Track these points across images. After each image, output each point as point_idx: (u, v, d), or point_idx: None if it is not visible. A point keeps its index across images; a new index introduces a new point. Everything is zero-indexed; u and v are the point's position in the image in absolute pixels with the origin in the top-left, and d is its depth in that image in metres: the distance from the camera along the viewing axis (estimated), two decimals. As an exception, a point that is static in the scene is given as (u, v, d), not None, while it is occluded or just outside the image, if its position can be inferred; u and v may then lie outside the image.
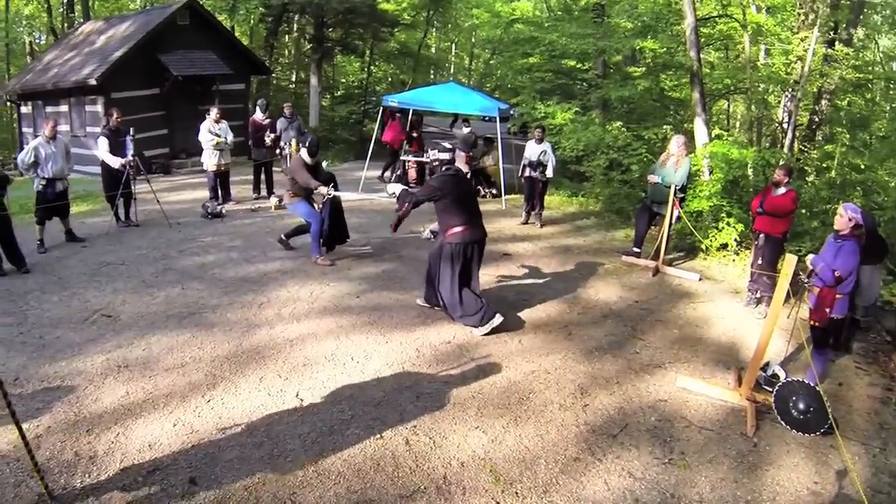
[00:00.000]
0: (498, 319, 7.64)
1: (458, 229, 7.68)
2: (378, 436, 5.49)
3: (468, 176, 8.26)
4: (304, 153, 9.85)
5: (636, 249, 11.24)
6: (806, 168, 17.25)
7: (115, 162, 11.33)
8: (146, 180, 12.53)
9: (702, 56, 15.36)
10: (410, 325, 7.89)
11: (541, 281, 9.97)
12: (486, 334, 7.61)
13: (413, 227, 11.97)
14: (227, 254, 10.37)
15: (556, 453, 5.45)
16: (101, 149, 11.42)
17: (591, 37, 17.95)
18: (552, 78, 21.99)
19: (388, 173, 18.06)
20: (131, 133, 11.73)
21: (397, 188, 8.52)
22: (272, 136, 14.32)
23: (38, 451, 4.91)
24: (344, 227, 10.43)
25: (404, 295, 8.88)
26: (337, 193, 10.01)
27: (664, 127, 18.23)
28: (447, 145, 8.53)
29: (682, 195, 10.78)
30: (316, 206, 10.07)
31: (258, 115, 14.52)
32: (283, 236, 10.68)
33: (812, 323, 6.65)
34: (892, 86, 20.34)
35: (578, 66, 21.30)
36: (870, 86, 19.51)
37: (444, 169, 8.09)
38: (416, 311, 8.34)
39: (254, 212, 13.50)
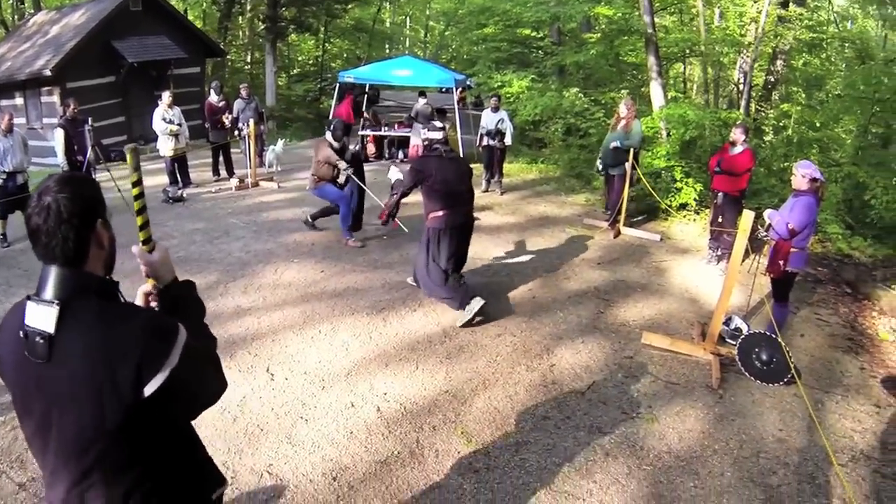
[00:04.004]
0: (477, 303, 7.09)
1: (438, 214, 7.25)
2: (349, 405, 5.53)
3: (458, 156, 7.77)
4: (328, 136, 9.61)
5: (608, 215, 11.30)
6: (763, 127, 17.47)
7: (62, 161, 11.22)
8: (106, 169, 12.37)
9: (656, 21, 15.44)
10: (377, 298, 7.90)
11: (503, 247, 10.06)
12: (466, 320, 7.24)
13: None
14: (190, 237, 10.29)
15: (525, 413, 5.54)
16: (57, 141, 11.26)
17: (545, 5, 17.96)
18: (507, 47, 21.97)
19: None
20: (90, 123, 11.55)
21: (398, 174, 8.07)
22: (230, 117, 14.22)
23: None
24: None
25: (369, 270, 8.87)
26: (349, 174, 9.60)
27: (622, 91, 18.34)
28: (438, 123, 8.10)
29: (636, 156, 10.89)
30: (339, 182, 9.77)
31: (213, 98, 14.35)
32: (309, 218, 10.49)
33: (769, 276, 6.78)
34: (845, 45, 20.61)
35: (533, 34, 21.29)
36: (824, 46, 19.74)
37: (431, 149, 7.59)
38: (381, 283, 8.36)
39: (215, 193, 13.40)
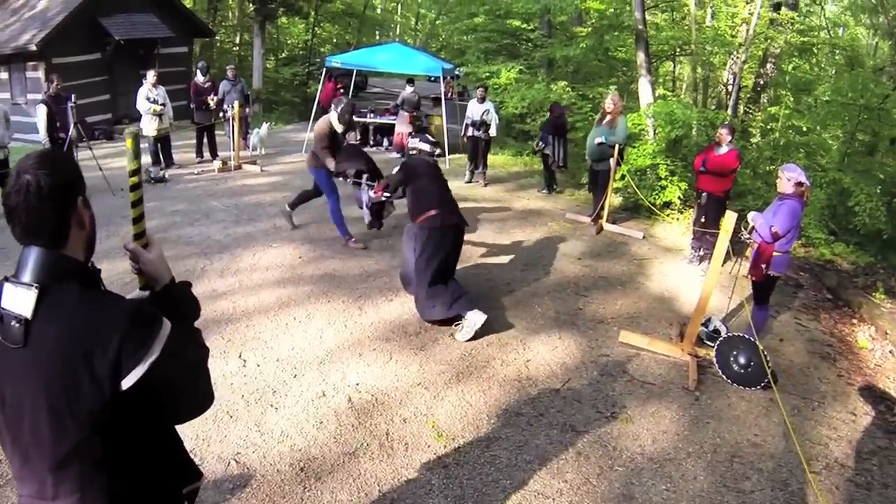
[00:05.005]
0: (481, 318, 6.62)
1: (432, 213, 6.74)
2: (321, 394, 5.47)
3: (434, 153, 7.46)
4: (333, 118, 8.79)
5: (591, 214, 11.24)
6: (750, 129, 17.48)
7: (44, 138, 11.08)
8: (88, 147, 12.22)
9: (647, 17, 15.41)
10: (352, 286, 7.84)
11: (483, 238, 10.00)
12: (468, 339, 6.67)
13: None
14: (171, 218, 10.18)
15: (498, 408, 5.48)
16: (39, 118, 11.12)
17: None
18: (497, 38, 22.00)
19: None
20: (73, 100, 11.40)
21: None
22: (215, 98, 14.10)
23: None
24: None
25: (347, 257, 8.80)
26: (355, 180, 9.00)
27: (611, 87, 18.32)
28: (432, 139, 7.71)
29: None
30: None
31: (199, 78, 14.26)
32: (287, 206, 9.85)
33: (751, 279, 6.74)
34: (836, 52, 20.65)
35: (523, 26, 21.27)
36: (814, 51, 19.78)
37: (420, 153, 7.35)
38: (359, 271, 8.30)
39: (197, 175, 13.28)
